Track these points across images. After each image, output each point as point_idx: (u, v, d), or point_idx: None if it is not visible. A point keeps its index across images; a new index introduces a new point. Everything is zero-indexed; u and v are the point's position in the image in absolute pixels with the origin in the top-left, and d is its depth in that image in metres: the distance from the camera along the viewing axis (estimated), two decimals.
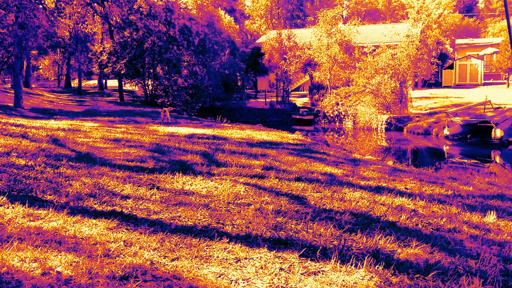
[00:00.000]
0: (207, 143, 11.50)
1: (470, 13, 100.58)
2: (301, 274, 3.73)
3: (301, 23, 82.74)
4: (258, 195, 6.24)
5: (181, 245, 4.19)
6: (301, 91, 54.47)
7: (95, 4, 41.89)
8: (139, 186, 6.29)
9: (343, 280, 3.65)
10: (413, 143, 27.46)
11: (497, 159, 22.12)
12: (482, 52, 57.73)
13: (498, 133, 24.24)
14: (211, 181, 6.90)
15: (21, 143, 8.67)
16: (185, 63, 38.29)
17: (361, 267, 3.87)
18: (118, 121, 19.15)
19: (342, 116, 37.18)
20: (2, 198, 5.06)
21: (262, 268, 3.80)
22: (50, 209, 4.88)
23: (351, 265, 3.91)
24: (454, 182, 8.99)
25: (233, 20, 67.10)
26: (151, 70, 37.43)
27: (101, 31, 51.68)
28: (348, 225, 5.05)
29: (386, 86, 34.28)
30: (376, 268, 3.85)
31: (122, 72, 37.06)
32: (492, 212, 5.88)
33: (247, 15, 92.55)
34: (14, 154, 7.44)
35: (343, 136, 31.15)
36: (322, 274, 3.76)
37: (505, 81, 50.16)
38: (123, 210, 5.16)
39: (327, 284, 3.58)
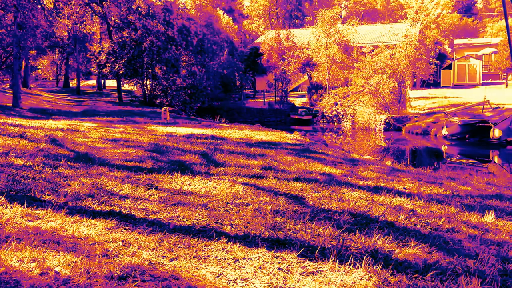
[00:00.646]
0: (205, 143, 11.50)
1: (468, 13, 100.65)
2: (300, 274, 3.73)
3: (300, 23, 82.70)
4: (257, 195, 6.24)
5: (179, 245, 4.19)
6: (299, 91, 54.45)
7: (94, 4, 41.87)
8: (137, 186, 6.29)
9: (342, 280, 3.65)
10: (412, 143, 27.48)
11: (496, 159, 22.14)
12: (480, 52, 57.71)
13: (496, 133, 24.26)
14: (210, 181, 6.89)
15: (19, 143, 8.66)
16: (184, 63, 38.27)
17: (359, 267, 3.87)
18: (116, 121, 19.14)
19: (341, 116, 37.18)
20: (0, 198, 5.06)
21: (260, 268, 3.80)
22: (49, 209, 4.87)
23: (350, 265, 3.91)
24: (453, 182, 8.99)
25: (231, 20, 67.10)
26: (150, 70, 37.41)
27: (99, 31, 51.67)
28: (346, 225, 5.05)
29: (384, 86, 34.29)
30: (374, 268, 3.86)
31: (121, 72, 37.02)
32: (490, 212, 5.89)
33: (246, 15, 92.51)
34: (12, 154, 7.44)
35: (341, 136, 31.16)
36: (321, 274, 3.76)
37: (504, 81, 50.15)
38: (122, 210, 5.16)
39: (325, 284, 3.58)
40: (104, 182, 6.29)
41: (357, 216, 5.45)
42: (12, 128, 10.98)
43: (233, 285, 3.48)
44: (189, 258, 3.92)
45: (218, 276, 3.61)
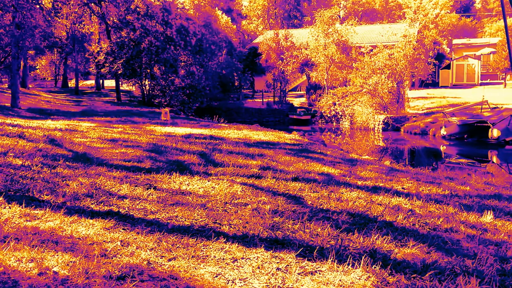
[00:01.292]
0: (204, 143, 11.50)
1: (467, 13, 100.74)
2: (298, 274, 3.73)
3: (298, 23, 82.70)
4: (255, 195, 6.24)
5: (178, 245, 4.19)
6: (298, 91, 54.45)
7: (92, 4, 41.83)
8: (136, 186, 6.29)
9: (340, 280, 3.65)
10: (410, 143, 27.49)
11: (494, 159, 22.15)
12: (479, 52, 57.76)
13: (495, 133, 24.28)
14: (208, 181, 6.89)
15: (18, 143, 8.65)
16: (182, 63, 38.25)
17: (358, 267, 3.87)
18: (115, 121, 19.12)
19: (339, 116, 37.17)
20: None
21: (259, 268, 3.80)
22: (47, 209, 4.87)
23: (348, 265, 3.91)
24: (451, 182, 9.00)
25: (230, 20, 67.11)
26: (148, 70, 37.37)
27: (98, 31, 51.62)
28: (345, 225, 5.06)
29: (383, 86, 34.31)
30: (373, 268, 3.86)
31: (119, 72, 36.98)
32: (489, 212, 5.89)
33: (244, 15, 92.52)
34: (11, 154, 7.43)
35: (340, 136, 31.16)
36: (319, 274, 3.76)
37: (502, 81, 50.22)
38: (120, 210, 5.16)
39: (324, 284, 3.58)
40: (102, 182, 6.28)
41: (356, 216, 5.45)
42: (10, 128, 10.97)
43: (231, 285, 3.48)
44: (187, 258, 3.92)
45: (216, 276, 3.61)
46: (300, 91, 53.59)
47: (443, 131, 26.97)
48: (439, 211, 5.94)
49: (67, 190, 5.72)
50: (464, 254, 4.34)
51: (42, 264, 3.48)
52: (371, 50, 37.48)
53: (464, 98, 37.59)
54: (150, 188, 6.20)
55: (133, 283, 3.32)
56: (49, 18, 36.53)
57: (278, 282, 3.56)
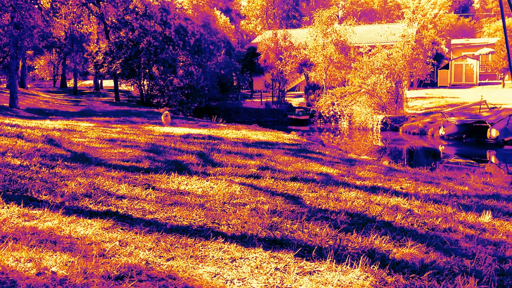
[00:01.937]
0: (202, 143, 11.49)
1: (465, 13, 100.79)
2: (297, 273, 3.73)
3: (297, 23, 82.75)
4: (254, 195, 6.24)
5: (176, 245, 4.19)
6: (296, 91, 54.50)
7: (91, 4, 41.78)
8: (134, 186, 6.28)
9: (339, 280, 3.65)
10: (409, 143, 27.51)
11: (493, 159, 22.16)
12: (477, 52, 57.84)
13: (493, 133, 24.30)
14: (207, 181, 6.89)
15: (16, 143, 8.64)
16: (181, 63, 38.24)
17: (356, 266, 3.87)
18: (113, 121, 19.11)
19: (338, 116, 37.20)
20: None
21: (257, 267, 3.80)
22: (45, 209, 4.86)
23: (347, 264, 3.91)
24: (450, 182, 9.00)
25: (228, 20, 67.08)
26: (147, 70, 37.37)
27: (96, 31, 51.55)
28: (343, 225, 5.06)
29: (381, 86, 34.34)
30: (371, 267, 3.86)
31: (118, 72, 36.98)
32: (487, 212, 5.90)
33: (243, 15, 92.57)
34: (9, 154, 7.42)
35: (338, 136, 31.17)
36: (318, 273, 3.76)
37: (501, 81, 50.31)
38: (119, 210, 5.15)
39: (322, 284, 3.58)
40: (101, 182, 6.28)
41: (354, 216, 5.45)
42: (9, 128, 10.95)
43: (230, 285, 3.48)
44: (186, 258, 3.91)
45: (215, 276, 3.61)
46: (299, 91, 53.64)
47: (441, 131, 26.99)
48: (437, 211, 5.94)
49: (66, 190, 5.71)
50: (463, 254, 4.34)
51: (41, 264, 3.48)
52: (370, 50, 37.54)
53: (462, 98, 37.64)
54: (149, 188, 6.19)
55: (132, 283, 3.31)
56: (47, 18, 36.51)
57: (276, 282, 3.56)
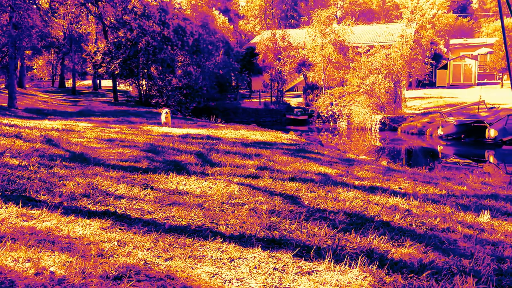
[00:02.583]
0: (201, 143, 11.49)
1: (464, 13, 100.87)
2: (295, 273, 3.73)
3: (296, 23, 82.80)
4: (252, 195, 6.24)
5: (175, 245, 4.19)
6: (295, 91, 54.52)
7: (89, 4, 41.75)
8: (133, 186, 6.28)
9: (337, 280, 3.65)
10: (407, 143, 27.52)
11: (491, 159, 22.19)
12: (476, 52, 57.92)
13: (492, 133, 24.32)
14: (205, 181, 6.89)
15: (15, 143, 8.63)
16: (180, 63, 38.22)
17: (355, 266, 3.87)
18: (112, 121, 19.09)
19: (336, 116, 37.22)
20: None
21: (256, 267, 3.80)
22: (44, 209, 4.86)
23: (345, 264, 3.91)
24: (448, 182, 9.01)
25: (227, 20, 67.06)
26: (145, 70, 37.33)
27: (95, 31, 51.48)
28: (342, 225, 5.06)
29: (380, 86, 34.36)
30: (370, 267, 3.86)
31: (116, 72, 36.94)
32: (486, 212, 5.90)
33: (242, 15, 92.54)
34: (8, 154, 7.41)
35: (337, 136, 31.19)
36: (316, 273, 3.76)
37: (499, 81, 50.35)
38: (117, 210, 5.15)
39: (321, 284, 3.58)
40: (99, 182, 6.27)
41: (353, 216, 5.45)
42: (7, 128, 10.94)
43: (228, 285, 3.48)
44: (184, 258, 3.91)
45: (213, 276, 3.61)
46: (297, 91, 53.66)
47: (440, 131, 27.01)
48: (436, 211, 5.94)
49: (64, 190, 5.71)
50: (461, 254, 4.34)
51: (39, 264, 3.48)
52: (368, 50, 37.55)
53: (461, 98, 37.67)
54: (147, 188, 6.19)
55: (130, 283, 3.31)
56: (46, 18, 36.52)
57: (275, 282, 3.56)
